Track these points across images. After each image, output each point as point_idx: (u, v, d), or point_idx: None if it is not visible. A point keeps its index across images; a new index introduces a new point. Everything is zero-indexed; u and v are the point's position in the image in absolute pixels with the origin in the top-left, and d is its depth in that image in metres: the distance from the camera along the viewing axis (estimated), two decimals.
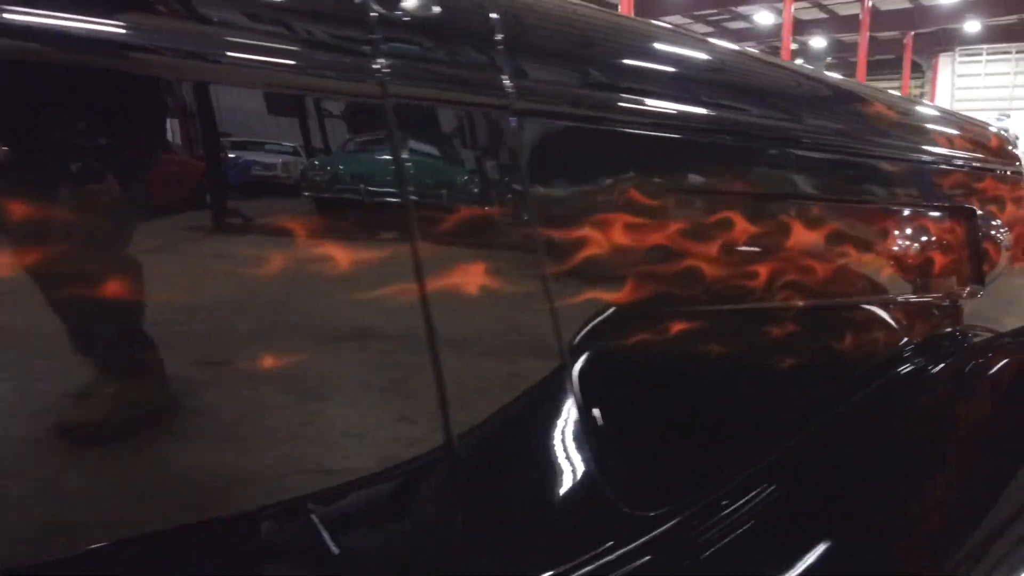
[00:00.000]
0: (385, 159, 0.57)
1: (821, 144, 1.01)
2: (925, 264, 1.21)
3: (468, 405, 0.63)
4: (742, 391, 0.92)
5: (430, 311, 0.59)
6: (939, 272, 1.26)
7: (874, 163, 1.11)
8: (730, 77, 0.95)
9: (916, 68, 30.86)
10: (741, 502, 0.83)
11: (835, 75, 1.27)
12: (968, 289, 1.34)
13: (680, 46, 0.91)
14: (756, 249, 0.90)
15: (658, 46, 0.87)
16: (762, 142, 0.92)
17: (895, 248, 1.15)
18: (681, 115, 0.84)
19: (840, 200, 1.04)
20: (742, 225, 0.87)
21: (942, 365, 1.17)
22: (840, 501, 0.87)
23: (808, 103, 1.06)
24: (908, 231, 1.18)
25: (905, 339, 1.18)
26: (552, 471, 0.71)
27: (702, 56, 0.93)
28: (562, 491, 0.71)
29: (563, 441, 0.72)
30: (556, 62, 0.71)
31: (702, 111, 0.86)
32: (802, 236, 0.95)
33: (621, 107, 0.76)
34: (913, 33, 27.97)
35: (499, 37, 0.65)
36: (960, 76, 30.95)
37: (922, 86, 31.72)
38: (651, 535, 0.74)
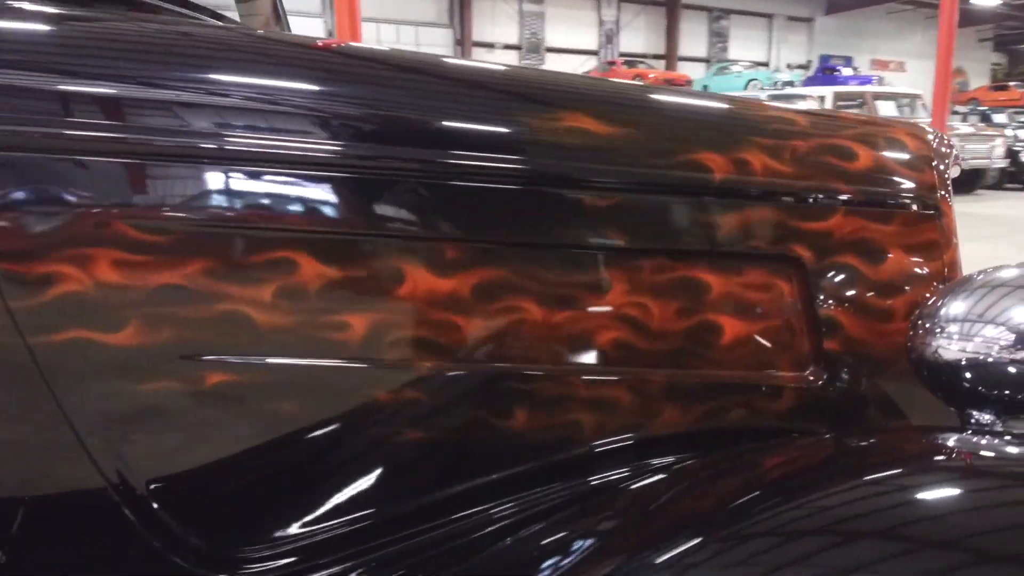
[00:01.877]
0: None
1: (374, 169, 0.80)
2: (656, 333, 0.90)
3: None
4: (298, 462, 0.80)
5: None
6: (711, 346, 0.92)
7: (492, 187, 0.84)
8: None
9: None
10: None
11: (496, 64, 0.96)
12: (806, 373, 0.96)
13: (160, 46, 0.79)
14: (324, 298, 0.78)
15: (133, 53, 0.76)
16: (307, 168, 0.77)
17: (583, 304, 0.88)
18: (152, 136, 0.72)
19: (479, 240, 0.84)
20: (312, 269, 0.77)
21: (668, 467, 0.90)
22: None
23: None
24: (614, 281, 0.88)
25: (612, 430, 0.91)
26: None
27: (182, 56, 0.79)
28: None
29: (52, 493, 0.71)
30: None
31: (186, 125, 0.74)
32: (419, 284, 0.81)
33: (74, 131, 0.70)
34: None
35: None
36: None
37: None
38: None
